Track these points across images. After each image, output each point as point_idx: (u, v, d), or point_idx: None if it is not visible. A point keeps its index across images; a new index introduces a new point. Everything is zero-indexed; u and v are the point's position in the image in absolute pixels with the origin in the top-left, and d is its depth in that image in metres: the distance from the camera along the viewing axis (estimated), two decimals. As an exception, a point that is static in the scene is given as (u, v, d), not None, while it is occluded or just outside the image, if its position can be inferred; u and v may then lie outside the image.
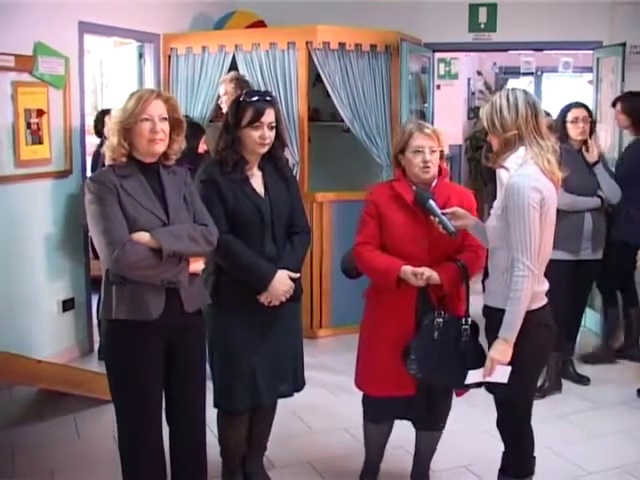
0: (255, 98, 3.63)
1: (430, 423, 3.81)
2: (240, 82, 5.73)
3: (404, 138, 3.62)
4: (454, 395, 3.80)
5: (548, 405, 5.14)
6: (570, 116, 5.31)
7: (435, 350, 3.45)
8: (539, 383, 5.27)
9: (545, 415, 4.83)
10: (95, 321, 5.86)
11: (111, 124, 3.16)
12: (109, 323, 3.21)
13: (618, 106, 6.08)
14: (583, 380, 5.58)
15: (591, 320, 6.75)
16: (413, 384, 3.59)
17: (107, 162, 3.23)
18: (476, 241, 3.58)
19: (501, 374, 3.17)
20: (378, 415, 3.85)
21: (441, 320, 3.48)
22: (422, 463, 3.97)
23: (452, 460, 4.28)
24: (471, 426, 4.60)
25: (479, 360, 3.38)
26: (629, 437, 4.68)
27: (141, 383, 3.23)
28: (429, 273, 3.49)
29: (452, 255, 3.59)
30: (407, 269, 3.49)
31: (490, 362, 3.17)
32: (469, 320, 3.51)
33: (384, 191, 3.71)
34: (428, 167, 3.57)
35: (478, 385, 3.38)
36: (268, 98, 3.68)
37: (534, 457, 3.43)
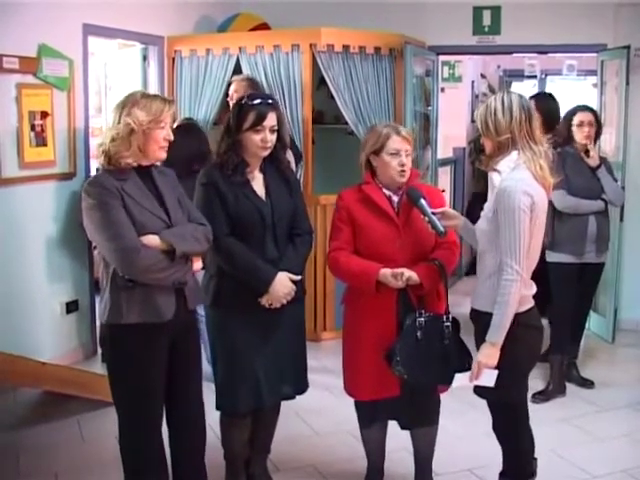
0: (257, 101, 3.63)
1: (421, 419, 3.80)
2: (253, 83, 5.74)
3: (380, 140, 3.62)
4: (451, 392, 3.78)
5: (552, 408, 5.14)
6: (576, 120, 5.30)
7: (419, 350, 3.45)
8: (543, 386, 5.29)
9: (549, 418, 4.84)
10: (99, 323, 5.86)
11: (132, 125, 3.11)
12: (116, 328, 3.20)
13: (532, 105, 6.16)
14: (587, 383, 5.56)
15: (595, 323, 6.74)
16: (397, 384, 3.60)
17: (104, 164, 3.18)
18: (452, 237, 3.61)
19: (488, 378, 3.17)
20: (370, 418, 3.86)
21: (423, 319, 3.48)
22: (423, 464, 3.95)
23: (457, 464, 4.28)
24: (475, 429, 4.58)
25: (464, 357, 3.40)
26: (634, 440, 4.67)
27: (148, 385, 3.25)
28: (408, 274, 3.49)
29: (426, 253, 3.61)
30: (386, 271, 3.50)
31: (477, 366, 3.17)
32: (450, 317, 3.51)
33: (353, 195, 3.72)
34: (404, 171, 3.59)
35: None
36: (270, 101, 3.68)
37: (535, 458, 3.43)
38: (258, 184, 3.69)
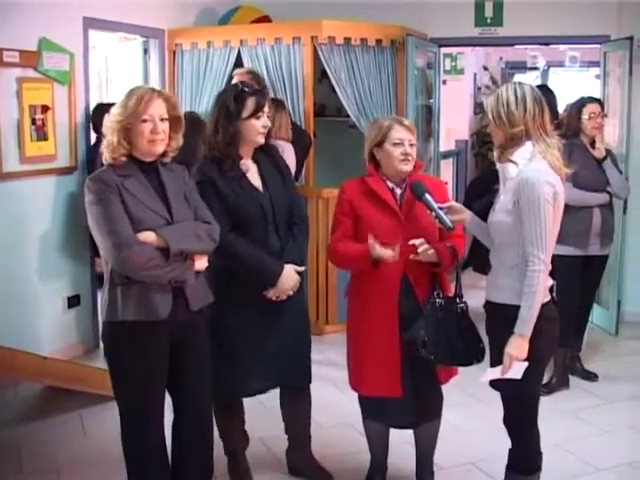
0: (251, 90, 3.67)
1: (424, 415, 3.77)
2: (256, 76, 5.73)
3: (383, 131, 3.62)
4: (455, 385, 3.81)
5: (556, 401, 5.12)
6: (587, 112, 5.27)
7: (442, 331, 3.45)
8: (546, 379, 5.27)
9: (553, 411, 4.81)
10: (100, 318, 5.84)
11: (110, 123, 3.11)
12: (114, 325, 3.17)
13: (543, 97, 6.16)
14: (591, 376, 5.55)
15: (599, 316, 6.73)
16: (399, 385, 3.60)
17: (105, 161, 3.17)
18: (457, 231, 3.59)
19: (517, 370, 3.14)
20: (374, 414, 3.85)
21: (442, 300, 3.49)
22: (424, 458, 3.94)
23: (460, 457, 4.27)
24: (479, 423, 4.58)
25: (476, 340, 3.42)
26: (638, 433, 4.66)
27: (147, 383, 3.22)
28: (425, 245, 3.47)
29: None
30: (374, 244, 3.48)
31: (508, 359, 3.12)
32: (463, 299, 3.51)
33: (356, 187, 3.71)
34: (408, 159, 3.58)
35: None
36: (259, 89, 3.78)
37: (541, 452, 3.41)
38: (253, 175, 3.69)
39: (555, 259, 5.12)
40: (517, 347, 3.11)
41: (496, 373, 3.20)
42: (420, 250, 3.46)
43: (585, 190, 5.15)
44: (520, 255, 3.13)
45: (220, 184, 3.57)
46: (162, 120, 3.15)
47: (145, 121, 3.11)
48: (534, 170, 3.10)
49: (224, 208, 3.55)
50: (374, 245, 3.45)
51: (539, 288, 3.07)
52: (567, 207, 5.06)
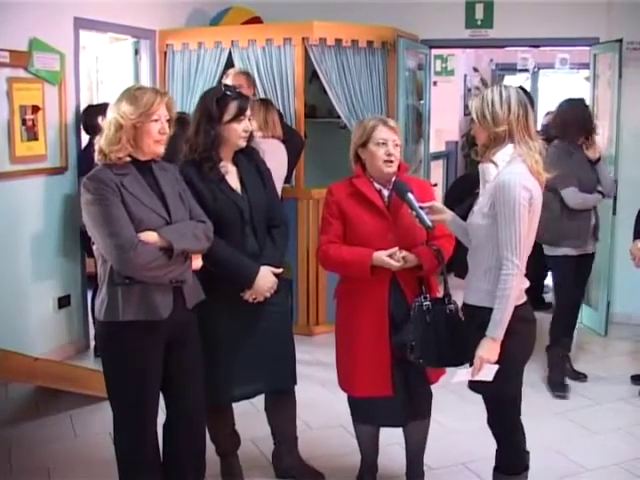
0: (233, 93, 3.66)
1: (414, 413, 3.77)
2: (250, 77, 5.74)
3: (367, 131, 3.62)
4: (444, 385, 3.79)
5: (545, 402, 5.14)
6: None
7: (430, 333, 3.43)
8: (539, 380, 5.28)
9: (542, 412, 4.84)
10: (91, 318, 5.83)
11: (120, 119, 3.08)
12: (112, 325, 3.15)
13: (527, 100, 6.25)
14: (580, 377, 5.56)
15: (588, 316, 6.76)
16: (390, 385, 3.60)
17: (99, 160, 3.14)
18: (445, 231, 3.60)
19: (487, 372, 3.15)
20: (364, 415, 3.85)
21: (429, 303, 3.47)
22: (414, 458, 3.94)
23: (450, 458, 4.28)
24: (469, 424, 4.57)
25: (466, 341, 3.37)
26: (627, 434, 4.67)
27: (144, 383, 3.22)
28: (404, 252, 3.50)
29: (418, 247, 3.60)
30: (380, 254, 3.50)
31: (479, 361, 3.14)
32: (452, 299, 3.49)
33: (343, 189, 3.71)
34: (392, 160, 3.58)
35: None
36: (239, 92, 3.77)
37: (527, 452, 3.42)
38: (233, 178, 3.69)
39: (556, 260, 5.21)
40: (488, 350, 3.12)
41: (466, 375, 3.22)
42: (393, 268, 3.50)
43: (581, 191, 5.18)
44: (495, 258, 3.14)
45: (199, 186, 3.56)
46: (167, 121, 3.18)
47: (155, 121, 3.12)
48: (511, 173, 3.10)
49: (203, 209, 3.52)
50: (381, 255, 3.48)
51: (512, 292, 3.08)
52: (570, 210, 5.15)
